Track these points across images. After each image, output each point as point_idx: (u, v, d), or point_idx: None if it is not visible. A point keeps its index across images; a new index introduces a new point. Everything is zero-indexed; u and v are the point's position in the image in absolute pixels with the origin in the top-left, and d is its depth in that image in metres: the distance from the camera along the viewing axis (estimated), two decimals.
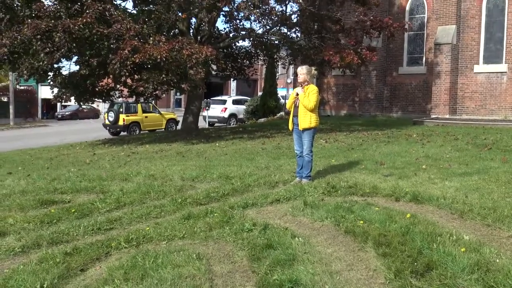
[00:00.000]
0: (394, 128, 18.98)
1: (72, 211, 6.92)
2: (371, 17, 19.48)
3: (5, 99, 43.22)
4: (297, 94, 8.03)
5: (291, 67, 27.56)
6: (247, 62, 23.47)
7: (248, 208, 6.76)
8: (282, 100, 33.42)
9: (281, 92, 36.20)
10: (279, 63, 26.69)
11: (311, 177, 8.27)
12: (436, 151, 11.92)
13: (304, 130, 7.99)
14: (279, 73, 37.04)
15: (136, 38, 15.75)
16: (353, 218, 5.81)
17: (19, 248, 5.49)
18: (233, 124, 30.98)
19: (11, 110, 39.75)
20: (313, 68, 8.26)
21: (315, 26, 20.29)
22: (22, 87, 44.53)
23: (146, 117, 27.75)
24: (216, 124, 31.30)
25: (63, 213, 6.84)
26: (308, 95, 7.87)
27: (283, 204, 6.90)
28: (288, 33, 21.49)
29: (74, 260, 4.99)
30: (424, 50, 25.28)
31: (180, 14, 18.53)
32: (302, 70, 8.05)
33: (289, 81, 40.00)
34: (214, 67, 20.66)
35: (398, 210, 6.21)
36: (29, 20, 15.64)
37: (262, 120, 28.88)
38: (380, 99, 26.18)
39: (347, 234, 5.37)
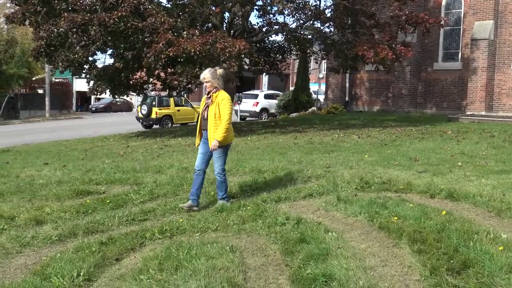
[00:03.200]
0: (428, 124, 18.70)
1: (107, 201, 7.03)
2: (407, 12, 19.16)
3: (41, 91, 44.01)
4: (205, 105, 6.70)
5: (324, 62, 27.40)
6: (280, 56, 23.37)
7: (280, 202, 6.76)
8: (314, 95, 33.24)
9: (313, 87, 36.00)
10: (312, 58, 26.53)
11: (229, 197, 6.94)
12: (471, 148, 11.71)
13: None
14: (312, 68, 36.84)
15: (170, 32, 15.84)
16: (387, 214, 5.76)
17: (56, 237, 5.61)
18: (264, 119, 30.97)
19: (47, 102, 40.46)
20: (217, 68, 6.89)
21: (349, 21, 20.08)
22: (57, 80, 45.27)
23: (178, 110, 27.94)
24: (247, 118, 31.33)
25: (98, 204, 6.95)
26: (219, 106, 6.53)
27: (316, 199, 6.88)
28: (322, 27, 21.35)
29: (109, 250, 5.07)
30: (460, 45, 24.80)
31: (213, 8, 18.57)
32: (206, 76, 6.63)
33: (321, 76, 39.76)
34: (247, 61, 20.64)
35: (433, 207, 6.12)
36: (65, 14, 15.85)
37: (294, 114, 28.78)
38: (414, 95, 25.80)
39: (381, 230, 5.33)
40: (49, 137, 22.19)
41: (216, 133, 6.47)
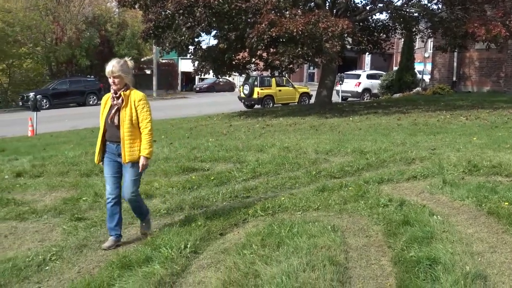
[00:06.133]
0: None
1: (211, 178, 7.26)
2: None
3: (149, 72, 45.82)
4: (112, 108, 4.98)
5: (430, 40, 26.36)
6: (384, 35, 22.74)
7: (383, 183, 6.66)
8: (419, 75, 32.11)
9: (418, 66, 34.78)
10: (417, 37, 25.59)
11: (150, 220, 5.33)
12: None
13: (132, 163, 4.93)
14: (417, 47, 35.56)
15: (273, 12, 15.92)
16: (497, 199, 5.50)
17: (164, 210, 5.91)
18: (366, 99, 30.37)
19: (154, 82, 42.10)
20: (126, 59, 5.09)
21: None
22: (164, 61, 46.88)
23: (279, 90, 28.06)
24: (349, 99, 30.87)
25: (203, 180, 7.21)
26: (136, 109, 4.95)
27: (420, 181, 6.70)
28: (429, 4, 20.53)
29: (214, 225, 5.27)
30: None
31: None
32: (115, 69, 4.86)
33: (426, 55, 38.32)
34: (350, 40, 20.32)
35: None
36: None
37: (397, 95, 28.00)
38: None
39: (490, 215, 5.11)
40: (156, 115, 23.03)
41: (142, 147, 4.91)
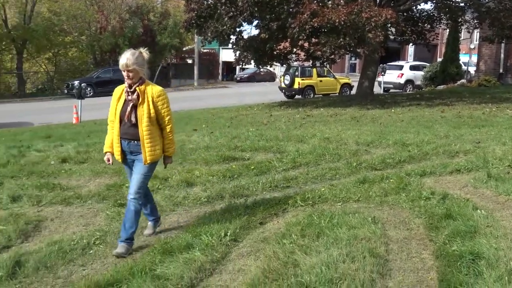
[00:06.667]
0: None
1: (251, 168, 7.29)
2: None
3: (190, 61, 46.14)
4: (127, 104, 4.59)
5: (476, 31, 25.74)
6: (428, 26, 22.30)
7: (425, 176, 6.56)
8: (463, 67, 31.42)
9: (463, 58, 34.02)
10: (463, 27, 25.02)
11: (129, 246, 4.55)
12: None
13: (150, 163, 4.62)
14: (462, 38, 34.74)
15: (315, 2, 15.83)
16: None
17: (204, 198, 5.97)
18: (409, 91, 29.90)
19: (196, 72, 42.36)
20: (141, 49, 4.62)
21: None
22: (205, 50, 47.13)
23: (320, 81, 27.90)
24: (391, 90, 30.48)
25: (243, 169, 7.24)
26: (155, 105, 4.58)
27: (463, 175, 6.57)
28: None
29: (254, 214, 5.30)
30: None
31: None
32: (129, 62, 4.44)
33: (472, 46, 37.44)
34: (393, 30, 20.01)
35: None
36: None
37: (441, 87, 27.50)
38: None
39: None
40: (197, 105, 23.31)
41: (166, 146, 4.71)
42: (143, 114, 4.52)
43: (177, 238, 4.62)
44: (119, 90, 4.67)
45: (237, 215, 5.21)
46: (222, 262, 4.20)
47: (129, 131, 4.59)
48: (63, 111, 21.40)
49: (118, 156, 4.69)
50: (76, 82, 26.76)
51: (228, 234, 4.64)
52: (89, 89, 29.84)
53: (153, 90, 4.57)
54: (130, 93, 4.55)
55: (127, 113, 4.55)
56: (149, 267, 4.01)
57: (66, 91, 32.04)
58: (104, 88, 30.66)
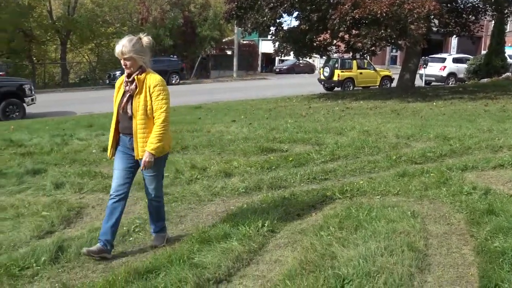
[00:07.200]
0: None
1: (290, 159, 7.27)
2: None
3: (230, 53, 46.30)
4: (124, 95, 4.25)
5: None
6: (473, 17, 21.77)
7: (467, 171, 6.44)
8: (509, 60, 30.59)
9: (508, 50, 33.12)
10: (509, 19, 24.35)
11: (166, 230, 4.64)
12: None
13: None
14: (508, 30, 33.82)
15: None
16: None
17: (242, 189, 5.99)
18: (451, 84, 29.30)
19: (235, 63, 42.48)
20: (141, 35, 4.25)
21: None
22: (245, 42, 47.19)
23: (360, 73, 27.60)
24: (433, 83, 29.93)
25: (281, 161, 7.23)
26: (151, 96, 4.16)
27: (507, 170, 6.42)
28: None
29: (291, 205, 5.30)
30: None
31: None
32: (125, 49, 4.07)
33: None
34: (436, 22, 19.61)
35: None
36: None
37: (485, 80, 26.84)
38: None
39: None
40: (236, 96, 23.36)
41: (149, 140, 4.14)
42: (139, 106, 4.14)
43: (215, 228, 4.65)
44: (120, 81, 4.34)
45: (274, 206, 5.22)
46: (259, 252, 4.21)
47: (128, 125, 4.23)
48: (104, 101, 21.67)
49: (109, 152, 4.41)
50: (118, 73, 27.09)
51: (266, 224, 4.65)
52: None
53: (151, 79, 4.16)
54: (128, 83, 4.21)
55: (122, 103, 4.21)
56: (187, 256, 4.05)
57: (107, 81, 32.58)
58: None
